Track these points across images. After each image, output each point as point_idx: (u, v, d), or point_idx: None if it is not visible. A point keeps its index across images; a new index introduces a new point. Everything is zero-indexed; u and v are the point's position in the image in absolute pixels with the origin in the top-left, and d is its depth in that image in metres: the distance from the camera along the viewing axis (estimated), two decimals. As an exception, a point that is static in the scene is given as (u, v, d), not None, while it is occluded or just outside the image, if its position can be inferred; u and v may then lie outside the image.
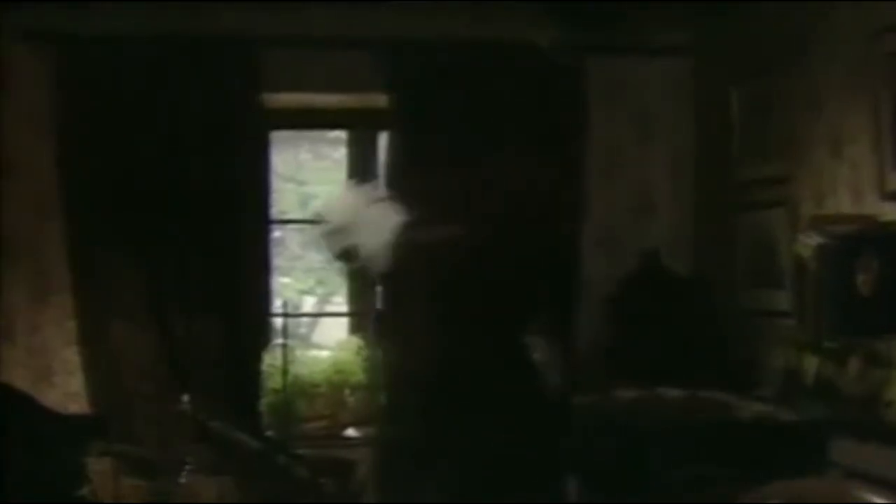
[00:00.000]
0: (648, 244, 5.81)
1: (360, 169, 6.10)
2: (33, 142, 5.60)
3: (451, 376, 3.83)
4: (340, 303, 6.58)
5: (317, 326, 7.01)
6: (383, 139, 6.00)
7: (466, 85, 5.70)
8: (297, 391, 5.83)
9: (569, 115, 5.77)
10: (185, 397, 4.64)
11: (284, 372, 5.59)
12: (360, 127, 6.17)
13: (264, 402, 5.76)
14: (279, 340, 5.69)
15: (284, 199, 6.68)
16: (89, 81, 5.60)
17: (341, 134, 6.39)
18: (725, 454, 4.42)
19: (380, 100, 5.85)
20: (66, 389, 5.59)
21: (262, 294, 5.75)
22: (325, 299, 7.20)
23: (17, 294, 5.63)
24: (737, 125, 5.65)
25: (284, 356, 5.60)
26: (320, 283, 7.20)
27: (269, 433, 5.53)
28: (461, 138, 5.62)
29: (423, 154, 5.70)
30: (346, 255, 3.97)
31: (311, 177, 7.17)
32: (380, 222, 3.92)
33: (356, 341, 6.06)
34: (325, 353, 6.19)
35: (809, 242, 4.51)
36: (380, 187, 4.22)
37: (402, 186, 5.44)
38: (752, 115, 5.54)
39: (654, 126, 6.00)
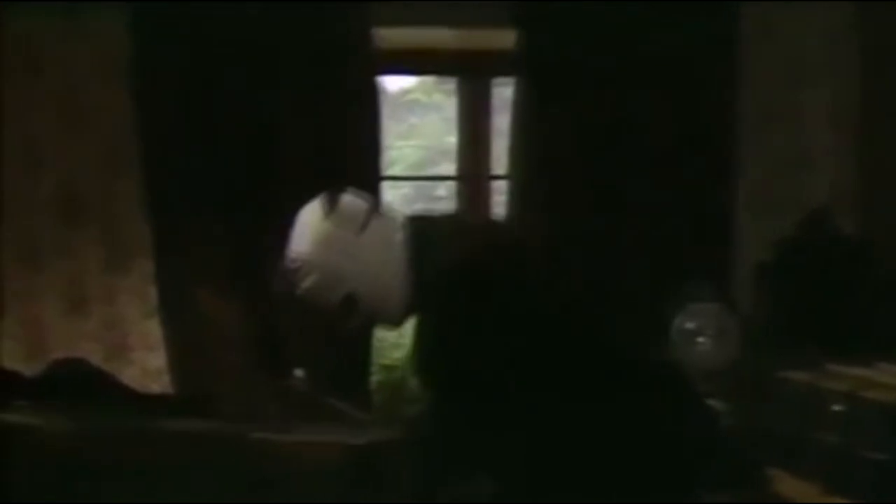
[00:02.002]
0: (807, 203, 5.24)
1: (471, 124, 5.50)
2: (105, 89, 5.07)
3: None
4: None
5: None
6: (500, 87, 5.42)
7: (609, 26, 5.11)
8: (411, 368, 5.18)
9: (718, 59, 5.19)
10: (298, 371, 3.91)
11: (397, 346, 5.12)
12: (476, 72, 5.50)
13: (374, 380, 5.19)
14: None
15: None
16: (170, 18, 4.98)
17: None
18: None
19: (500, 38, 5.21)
20: (146, 366, 5.11)
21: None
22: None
23: (89, 260, 5.11)
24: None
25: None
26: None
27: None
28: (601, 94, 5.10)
29: (555, 107, 5.15)
30: (343, 313, 3.18)
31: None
32: (383, 250, 3.13)
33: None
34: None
35: None
36: (368, 197, 3.28)
37: (531, 151, 5.08)
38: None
39: (814, 72, 5.39)
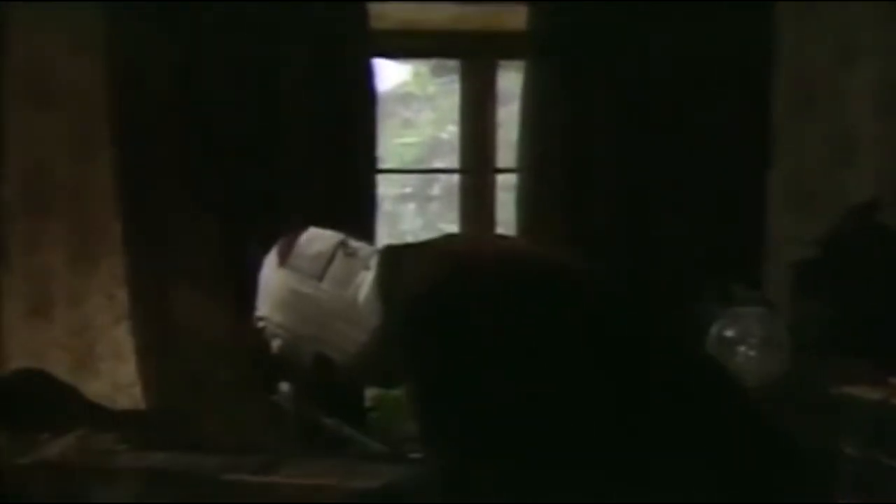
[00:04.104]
0: (848, 196, 4.99)
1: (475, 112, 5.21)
2: (74, 68, 4.84)
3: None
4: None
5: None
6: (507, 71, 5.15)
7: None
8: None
9: (752, 36, 4.92)
10: (283, 386, 3.53)
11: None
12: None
13: (369, 395, 4.91)
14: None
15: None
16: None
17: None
18: None
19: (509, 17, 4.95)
20: (115, 378, 4.88)
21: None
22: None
23: (54, 256, 4.87)
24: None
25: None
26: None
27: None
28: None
29: (572, 93, 4.88)
30: (318, 374, 2.79)
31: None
32: (350, 296, 2.75)
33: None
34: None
35: None
36: (331, 235, 2.94)
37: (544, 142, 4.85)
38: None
39: (858, 50, 5.10)
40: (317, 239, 2.86)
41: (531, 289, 2.65)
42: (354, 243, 2.86)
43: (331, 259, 2.80)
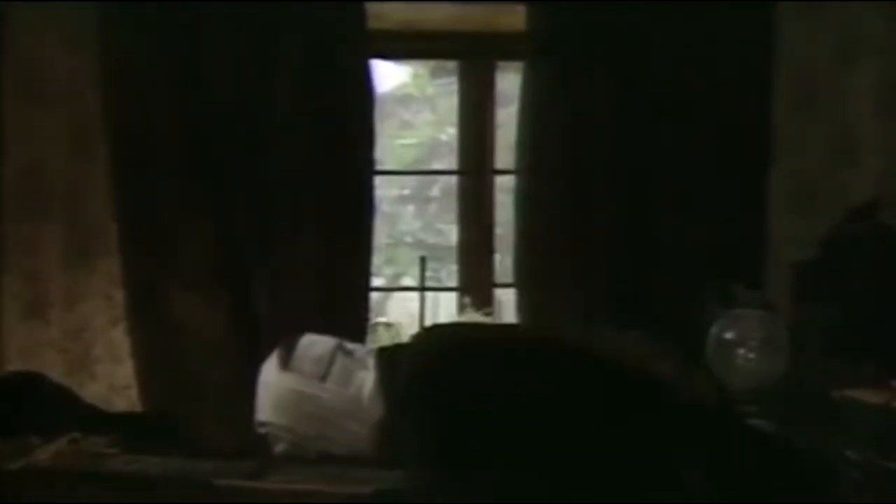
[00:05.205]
0: (849, 196, 4.95)
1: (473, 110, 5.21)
2: (71, 66, 4.83)
3: None
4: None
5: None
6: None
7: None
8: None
9: (753, 33, 4.89)
10: None
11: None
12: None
13: None
14: (382, 318, 5.09)
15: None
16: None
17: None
18: None
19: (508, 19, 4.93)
20: (112, 381, 4.86)
21: (364, 255, 4.83)
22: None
23: (50, 257, 4.85)
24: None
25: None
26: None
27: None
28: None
29: (571, 94, 4.85)
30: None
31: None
32: (352, 394, 2.86)
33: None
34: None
35: None
36: (327, 340, 2.98)
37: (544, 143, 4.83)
38: None
39: (860, 49, 5.06)
40: (316, 343, 2.95)
41: (513, 366, 2.73)
42: (350, 345, 2.93)
43: (332, 360, 2.87)
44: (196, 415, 4.60)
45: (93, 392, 4.66)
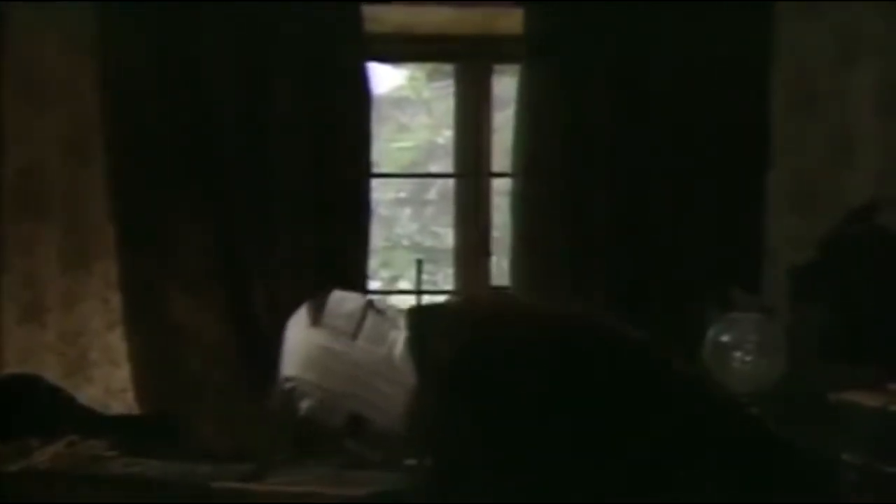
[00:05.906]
0: (848, 196, 4.94)
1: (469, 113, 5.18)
2: (69, 67, 4.83)
3: None
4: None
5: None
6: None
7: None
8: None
9: (751, 35, 4.87)
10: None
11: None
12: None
13: None
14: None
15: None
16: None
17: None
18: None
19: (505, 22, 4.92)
20: (109, 384, 4.85)
21: (360, 257, 4.84)
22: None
23: (47, 260, 4.85)
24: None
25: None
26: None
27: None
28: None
29: (567, 96, 4.84)
30: (350, 433, 2.76)
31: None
32: (387, 355, 2.74)
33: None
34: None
35: None
36: (357, 296, 2.94)
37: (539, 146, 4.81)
38: None
39: (858, 49, 5.06)
40: (346, 299, 2.87)
41: (551, 346, 2.68)
42: (380, 304, 2.88)
43: (363, 317, 2.81)
44: (195, 416, 4.61)
45: (89, 395, 4.67)
